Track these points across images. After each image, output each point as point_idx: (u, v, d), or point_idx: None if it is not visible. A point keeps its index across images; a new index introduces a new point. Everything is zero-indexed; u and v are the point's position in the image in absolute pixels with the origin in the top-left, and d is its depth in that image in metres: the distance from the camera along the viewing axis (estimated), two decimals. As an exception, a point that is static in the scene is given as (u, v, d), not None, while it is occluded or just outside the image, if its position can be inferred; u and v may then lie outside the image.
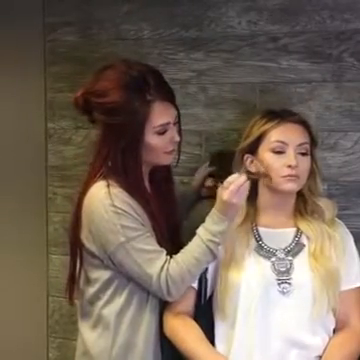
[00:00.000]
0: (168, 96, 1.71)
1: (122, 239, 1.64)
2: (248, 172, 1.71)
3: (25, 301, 2.33)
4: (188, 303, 1.79)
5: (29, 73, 2.24)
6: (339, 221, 1.83)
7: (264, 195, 1.80)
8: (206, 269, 1.77)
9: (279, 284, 1.72)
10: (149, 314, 1.73)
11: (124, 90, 1.65)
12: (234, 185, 1.65)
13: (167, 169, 1.82)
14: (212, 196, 1.87)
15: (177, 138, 1.74)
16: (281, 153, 1.74)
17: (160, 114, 1.68)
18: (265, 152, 1.76)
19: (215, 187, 1.85)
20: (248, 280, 1.72)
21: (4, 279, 2.34)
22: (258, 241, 1.77)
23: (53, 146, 2.25)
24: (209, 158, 2.06)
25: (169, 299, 1.71)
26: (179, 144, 1.78)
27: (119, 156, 1.67)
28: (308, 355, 1.71)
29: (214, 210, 1.69)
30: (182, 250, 1.69)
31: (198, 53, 2.10)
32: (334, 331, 1.76)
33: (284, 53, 2.02)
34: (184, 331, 1.75)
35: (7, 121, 2.30)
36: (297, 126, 1.77)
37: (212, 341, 1.76)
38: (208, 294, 1.80)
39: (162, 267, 1.66)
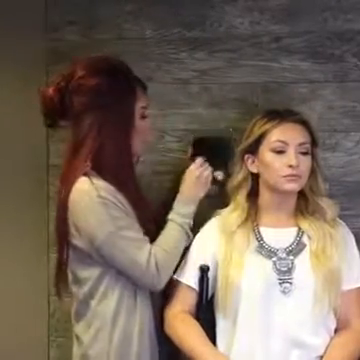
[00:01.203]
0: (142, 84, 1.77)
1: (111, 229, 1.65)
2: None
3: (26, 300, 2.33)
4: (189, 302, 1.79)
5: (31, 72, 2.23)
6: (340, 221, 1.83)
7: (265, 195, 1.80)
8: (208, 268, 1.77)
9: (280, 284, 1.72)
10: (141, 305, 1.73)
11: (113, 74, 1.69)
12: (202, 164, 1.77)
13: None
14: None
15: (150, 128, 1.78)
16: (282, 153, 1.74)
17: (141, 98, 1.74)
18: (266, 152, 1.76)
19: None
20: (249, 280, 1.72)
21: (5, 278, 2.33)
22: (259, 241, 1.77)
23: (54, 145, 2.25)
24: (191, 147, 1.93)
25: (158, 287, 1.71)
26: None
27: (112, 141, 1.68)
28: (309, 355, 1.72)
29: (181, 194, 1.76)
30: (160, 237, 1.72)
31: (200, 53, 2.09)
32: (335, 331, 1.76)
33: (286, 53, 2.02)
34: (185, 330, 1.75)
35: (8, 120, 2.29)
36: (297, 126, 1.77)
37: (213, 340, 1.77)
38: (209, 293, 1.80)
39: (150, 254, 1.67)
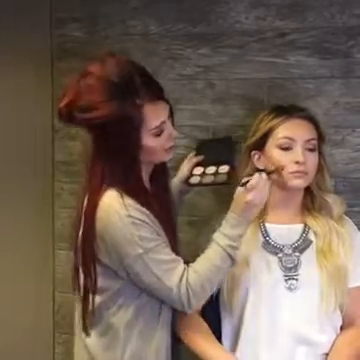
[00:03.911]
0: (158, 94, 1.60)
1: (140, 251, 1.56)
2: (265, 170, 1.69)
3: (31, 296, 2.34)
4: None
5: (36, 69, 2.24)
6: (347, 218, 1.82)
7: (272, 191, 1.77)
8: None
9: (286, 280, 1.71)
10: (161, 328, 1.65)
11: (112, 101, 1.53)
12: (258, 186, 1.61)
13: (163, 163, 1.73)
14: (202, 184, 1.84)
15: (174, 133, 1.65)
16: (289, 149, 1.73)
17: (154, 115, 1.58)
18: (272, 148, 1.75)
19: (204, 174, 1.83)
20: (255, 276, 1.72)
21: (11, 274, 2.34)
22: (265, 237, 1.77)
23: (60, 142, 2.25)
24: (195, 147, 1.97)
25: (189, 311, 1.62)
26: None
27: (118, 165, 1.58)
28: (315, 352, 1.71)
29: (231, 213, 1.63)
30: (199, 258, 1.62)
31: (205, 49, 2.09)
32: (341, 328, 1.76)
33: (292, 49, 2.01)
34: (193, 329, 1.73)
35: (14, 117, 2.30)
36: (304, 122, 1.76)
37: (219, 337, 1.76)
38: (215, 291, 1.79)
39: (181, 278, 1.58)
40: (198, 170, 1.87)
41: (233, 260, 1.62)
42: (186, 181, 1.88)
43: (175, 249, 1.65)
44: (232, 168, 1.80)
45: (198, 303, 1.63)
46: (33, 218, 2.30)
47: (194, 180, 1.86)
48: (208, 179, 1.82)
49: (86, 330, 1.64)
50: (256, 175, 1.63)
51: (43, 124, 2.25)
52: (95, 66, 1.58)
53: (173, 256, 1.61)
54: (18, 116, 2.29)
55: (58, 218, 2.29)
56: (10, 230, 2.32)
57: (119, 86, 1.54)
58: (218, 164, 1.82)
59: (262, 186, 1.62)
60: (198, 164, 1.88)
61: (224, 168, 1.80)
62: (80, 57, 2.20)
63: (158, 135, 1.61)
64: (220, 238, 1.61)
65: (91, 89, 1.54)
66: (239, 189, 1.62)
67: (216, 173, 1.81)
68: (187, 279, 1.58)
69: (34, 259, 2.31)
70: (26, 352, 2.34)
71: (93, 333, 1.66)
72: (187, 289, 1.58)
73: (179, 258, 1.61)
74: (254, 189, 1.60)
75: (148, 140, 1.59)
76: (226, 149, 1.86)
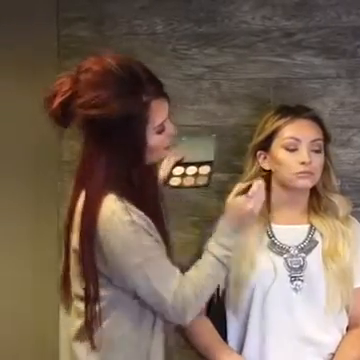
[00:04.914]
0: (161, 90, 1.54)
1: (140, 259, 1.49)
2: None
3: (35, 297, 2.34)
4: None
5: (43, 68, 2.24)
6: (353, 218, 1.82)
7: (277, 192, 1.79)
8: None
9: (292, 281, 1.71)
10: (157, 336, 1.57)
11: (119, 96, 1.46)
12: (259, 193, 1.55)
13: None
14: (183, 186, 1.78)
15: (174, 131, 1.58)
16: (294, 150, 1.73)
17: (159, 113, 1.53)
18: (278, 149, 1.75)
19: (184, 175, 1.78)
20: (261, 277, 1.72)
21: (15, 274, 2.34)
22: (271, 237, 1.77)
23: (66, 141, 2.25)
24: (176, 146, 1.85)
25: (182, 322, 1.56)
26: None
27: (123, 167, 1.52)
28: (321, 352, 1.72)
29: (227, 222, 1.56)
30: (193, 268, 1.55)
31: (211, 48, 2.09)
32: (347, 329, 1.76)
33: (298, 49, 2.01)
34: (199, 329, 1.74)
35: (20, 116, 2.30)
36: (310, 122, 1.76)
37: (224, 337, 1.76)
38: (221, 291, 1.79)
39: (176, 289, 1.50)
40: (178, 171, 1.75)
41: (227, 269, 1.56)
42: (166, 182, 1.75)
43: (169, 253, 1.58)
44: (212, 169, 1.71)
45: (193, 314, 1.55)
46: (38, 218, 2.30)
47: (174, 182, 1.74)
48: (189, 181, 1.71)
49: (93, 343, 1.53)
50: (256, 183, 1.56)
51: (49, 124, 2.25)
52: (92, 61, 1.51)
53: (171, 266, 1.53)
54: (24, 116, 2.29)
55: (63, 218, 2.28)
56: (15, 230, 2.32)
57: (125, 80, 1.48)
58: (199, 165, 1.72)
59: (261, 194, 1.56)
60: (178, 164, 1.76)
61: (205, 169, 1.70)
62: (86, 57, 2.20)
63: (160, 133, 1.55)
64: (215, 248, 1.55)
65: (96, 84, 1.48)
66: (239, 198, 1.55)
67: (197, 174, 1.71)
68: (183, 289, 1.51)
69: (38, 259, 2.31)
70: (30, 352, 2.34)
71: (83, 348, 1.55)
72: (183, 299, 1.51)
73: (175, 268, 1.54)
74: (255, 196, 1.54)
75: (151, 138, 1.54)
76: (208, 148, 1.80)
